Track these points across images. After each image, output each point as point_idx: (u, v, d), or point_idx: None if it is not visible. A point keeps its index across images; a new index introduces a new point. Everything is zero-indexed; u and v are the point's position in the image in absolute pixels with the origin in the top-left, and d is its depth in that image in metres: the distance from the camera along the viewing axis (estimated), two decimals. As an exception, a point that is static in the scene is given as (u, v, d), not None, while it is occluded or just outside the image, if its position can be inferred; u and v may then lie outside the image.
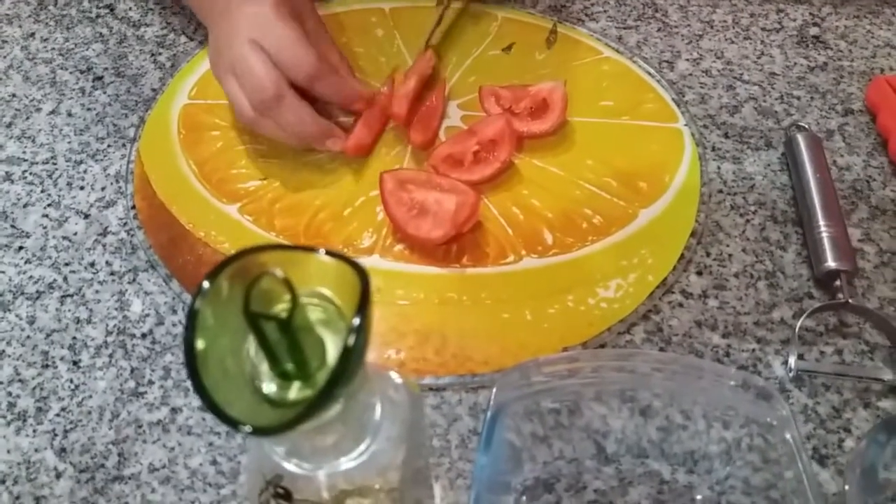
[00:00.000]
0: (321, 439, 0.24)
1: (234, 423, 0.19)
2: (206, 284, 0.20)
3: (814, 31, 0.64)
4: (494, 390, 0.39)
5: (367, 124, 0.55)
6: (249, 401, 0.21)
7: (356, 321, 0.20)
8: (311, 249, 0.21)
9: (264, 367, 0.21)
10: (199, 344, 0.19)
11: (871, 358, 0.47)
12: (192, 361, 0.19)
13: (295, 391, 0.21)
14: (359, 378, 0.22)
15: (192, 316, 0.19)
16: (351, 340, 0.19)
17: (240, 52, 0.51)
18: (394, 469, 0.28)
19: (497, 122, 0.53)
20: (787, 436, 0.37)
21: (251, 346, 0.21)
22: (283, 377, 0.21)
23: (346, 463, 0.26)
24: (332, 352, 0.21)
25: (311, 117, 0.52)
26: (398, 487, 0.28)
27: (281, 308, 0.20)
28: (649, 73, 0.61)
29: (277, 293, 0.20)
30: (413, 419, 0.28)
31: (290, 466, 0.25)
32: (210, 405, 0.19)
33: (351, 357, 0.19)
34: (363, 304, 0.20)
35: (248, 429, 0.19)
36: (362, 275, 0.20)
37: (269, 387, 0.21)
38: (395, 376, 0.28)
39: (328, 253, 0.21)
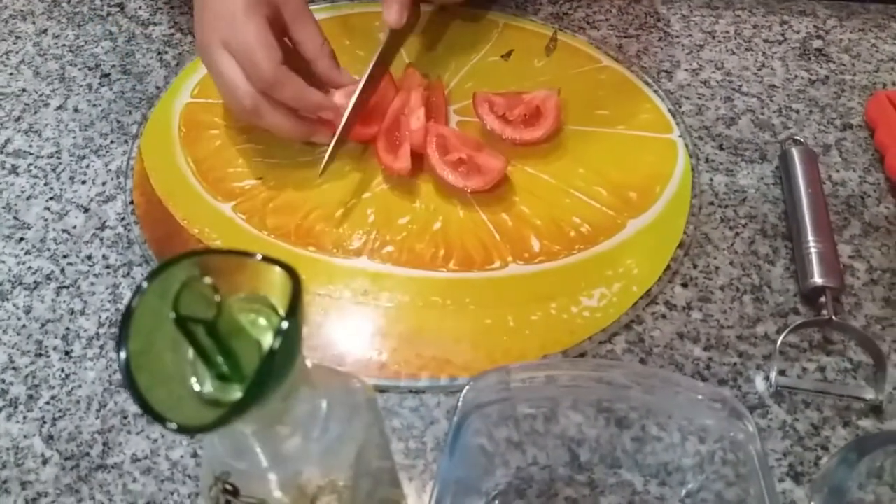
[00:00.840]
0: (267, 438, 0.25)
1: (159, 418, 0.20)
2: (144, 284, 0.21)
3: (817, 43, 0.64)
4: (463, 393, 0.39)
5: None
6: (189, 401, 0.21)
7: (283, 325, 0.20)
8: (249, 254, 0.22)
9: (204, 368, 0.22)
10: (136, 341, 0.20)
11: (854, 376, 0.46)
12: (125, 358, 0.20)
13: (234, 392, 0.22)
14: (296, 379, 0.22)
15: (127, 314, 0.20)
16: (276, 343, 0.20)
17: (215, 57, 0.51)
18: (346, 467, 0.28)
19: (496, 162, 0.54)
20: (752, 452, 0.37)
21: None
22: (221, 379, 0.22)
23: (295, 461, 0.26)
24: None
25: (290, 121, 0.53)
26: (351, 485, 0.29)
27: (209, 310, 0.20)
28: (647, 83, 0.61)
29: (210, 296, 0.21)
30: (367, 419, 0.29)
31: (238, 464, 0.26)
32: (136, 397, 0.19)
33: (274, 359, 0.20)
34: (292, 308, 0.21)
35: (173, 425, 0.19)
36: (294, 279, 0.21)
37: (208, 388, 0.21)
38: (352, 379, 0.28)
39: (265, 258, 0.22)
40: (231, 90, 0.51)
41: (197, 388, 0.21)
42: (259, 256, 0.21)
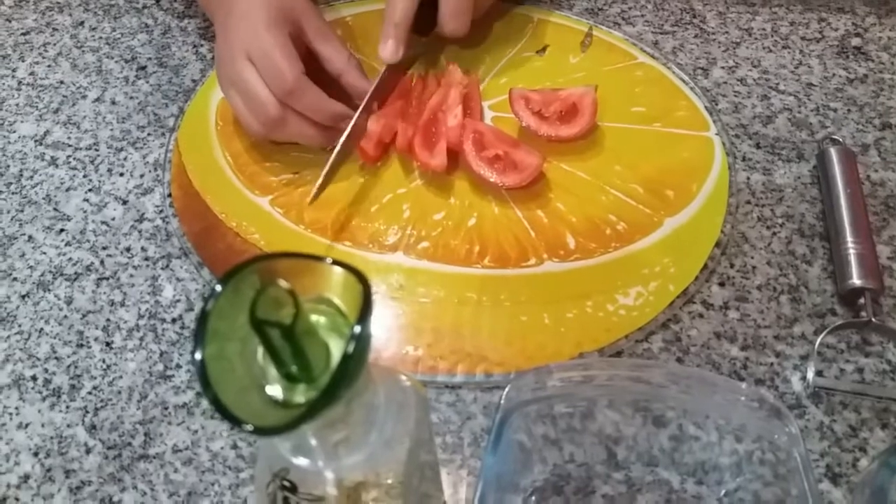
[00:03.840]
0: (326, 437, 0.25)
1: (236, 421, 0.20)
2: (218, 288, 0.21)
3: (856, 41, 0.63)
4: (506, 392, 0.39)
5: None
6: (256, 401, 0.22)
7: (356, 329, 0.21)
8: (319, 258, 0.22)
9: (272, 369, 0.22)
10: (209, 343, 0.20)
11: (893, 378, 0.46)
12: (201, 360, 0.20)
13: (300, 393, 0.22)
14: (360, 381, 0.23)
15: (202, 318, 0.21)
16: (350, 348, 0.20)
17: (237, 68, 0.52)
18: (398, 464, 0.29)
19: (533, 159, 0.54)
20: (795, 454, 0.37)
21: (260, 349, 0.22)
22: (289, 379, 0.22)
23: (351, 459, 0.27)
24: (336, 356, 0.22)
25: (312, 131, 0.53)
26: (403, 481, 0.29)
27: (285, 314, 0.21)
28: (683, 80, 0.60)
29: (285, 299, 0.21)
30: (417, 417, 0.29)
31: (297, 461, 0.26)
32: (214, 402, 0.20)
33: (350, 363, 0.20)
34: (364, 313, 0.21)
35: (249, 427, 0.20)
36: (365, 284, 0.21)
37: (276, 388, 0.22)
38: (402, 377, 0.29)
39: (335, 262, 0.22)
40: (256, 100, 0.52)
41: (268, 389, 0.22)
42: (329, 260, 0.22)
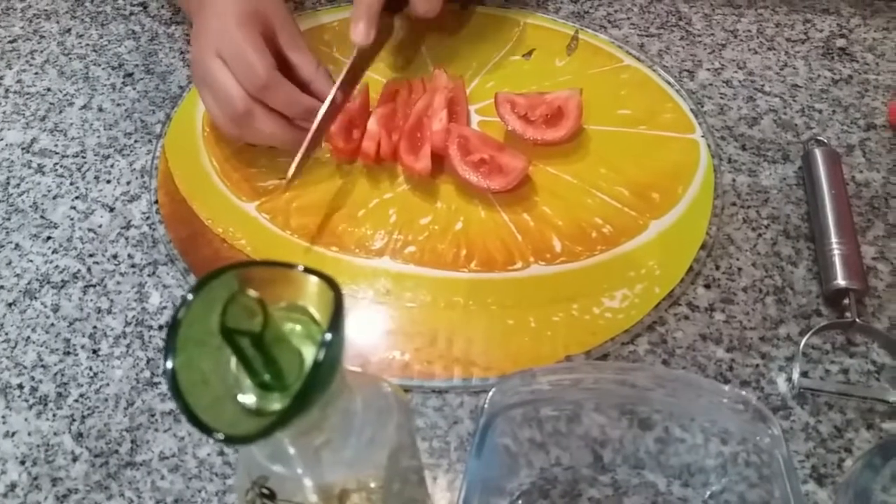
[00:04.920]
0: (304, 444, 0.25)
1: (207, 430, 0.20)
2: (189, 297, 0.21)
3: (840, 42, 0.64)
4: (490, 395, 0.39)
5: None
6: (230, 409, 0.22)
7: (327, 336, 0.21)
8: (291, 266, 0.22)
9: (246, 378, 0.22)
10: (180, 352, 0.20)
11: (878, 378, 0.46)
12: (171, 368, 0.20)
13: (274, 401, 0.22)
14: (334, 387, 0.23)
15: (174, 327, 0.21)
16: (321, 355, 0.20)
17: (208, 66, 0.52)
18: (378, 468, 0.29)
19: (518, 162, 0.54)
20: (778, 456, 0.37)
21: (233, 358, 0.22)
22: (263, 388, 0.22)
23: (329, 465, 0.27)
24: (310, 363, 0.22)
25: (282, 129, 0.53)
26: (384, 486, 0.29)
27: (256, 323, 0.21)
28: (669, 83, 0.61)
29: (255, 308, 0.21)
30: (398, 422, 0.29)
31: (276, 468, 0.26)
32: (184, 410, 0.20)
33: (320, 371, 0.20)
34: (335, 320, 0.21)
35: (220, 436, 0.20)
36: (336, 291, 0.21)
37: (249, 397, 0.22)
38: (382, 383, 0.29)
39: (307, 270, 0.22)
40: (224, 95, 0.51)
41: (240, 398, 0.22)
42: (301, 268, 0.22)
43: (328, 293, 0.21)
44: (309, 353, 0.23)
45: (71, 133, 0.61)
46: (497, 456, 0.41)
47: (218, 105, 0.53)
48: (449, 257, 0.52)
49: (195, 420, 0.20)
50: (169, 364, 0.20)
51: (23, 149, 0.60)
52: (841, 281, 0.48)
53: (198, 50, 0.53)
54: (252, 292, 0.21)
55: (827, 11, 0.66)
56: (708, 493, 0.42)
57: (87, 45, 0.67)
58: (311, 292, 0.22)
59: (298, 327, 0.23)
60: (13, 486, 0.44)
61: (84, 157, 0.59)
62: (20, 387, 0.48)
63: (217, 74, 0.51)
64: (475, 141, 0.55)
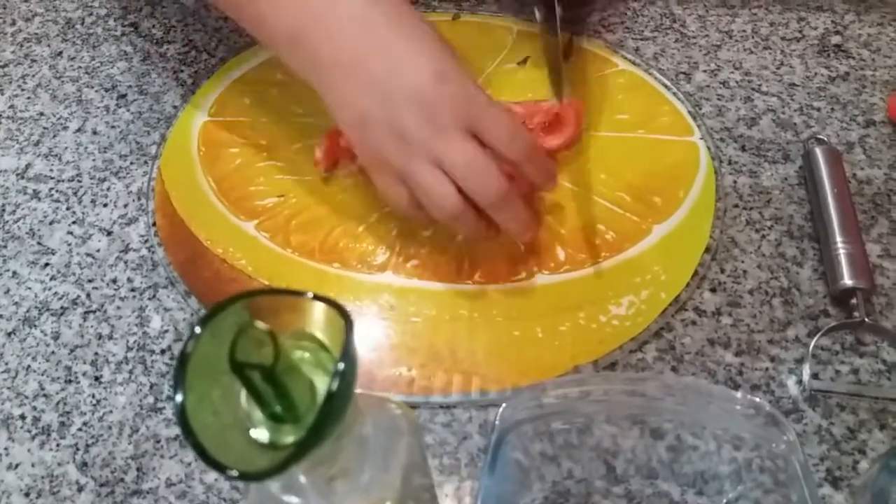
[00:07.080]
0: (316, 474, 0.25)
1: (220, 467, 0.19)
2: (197, 329, 0.21)
3: (835, 39, 0.63)
4: (500, 411, 0.39)
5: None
6: (242, 442, 0.21)
7: (340, 366, 0.20)
8: (300, 293, 0.22)
9: (257, 411, 0.22)
10: (189, 386, 0.20)
11: (889, 377, 0.46)
12: (181, 403, 0.19)
13: (287, 433, 0.22)
14: (349, 416, 0.22)
15: (182, 360, 0.20)
16: (334, 385, 0.20)
17: (414, 169, 0.44)
18: (392, 491, 0.28)
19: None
20: (794, 460, 0.37)
21: (243, 390, 0.21)
22: (275, 420, 0.22)
23: (343, 493, 0.26)
24: (322, 392, 0.22)
25: (484, 230, 0.48)
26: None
27: (265, 354, 0.20)
28: (665, 86, 0.60)
29: (265, 339, 0.21)
30: (409, 442, 0.29)
31: (288, 499, 0.25)
32: (195, 447, 0.19)
33: (335, 401, 0.20)
34: (346, 349, 0.20)
35: (234, 473, 0.19)
36: (346, 319, 0.21)
37: (261, 430, 0.21)
38: (391, 404, 0.28)
39: (316, 297, 0.21)
40: (436, 198, 0.45)
41: (253, 433, 0.21)
42: (310, 295, 0.21)
43: (338, 321, 0.21)
44: (320, 382, 0.22)
45: (66, 157, 0.61)
46: (510, 471, 0.41)
47: (411, 200, 0.47)
48: (452, 270, 0.51)
49: (207, 457, 0.19)
50: (178, 398, 0.20)
51: (17, 175, 0.60)
52: (848, 280, 0.48)
53: (390, 140, 0.45)
54: (261, 324, 0.20)
55: (821, 9, 0.66)
56: (724, 500, 0.42)
57: (80, 67, 0.67)
58: (320, 319, 0.22)
59: (307, 355, 0.22)
60: (19, 519, 0.43)
61: (80, 182, 0.59)
62: (22, 417, 0.47)
63: (427, 176, 0.45)
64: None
